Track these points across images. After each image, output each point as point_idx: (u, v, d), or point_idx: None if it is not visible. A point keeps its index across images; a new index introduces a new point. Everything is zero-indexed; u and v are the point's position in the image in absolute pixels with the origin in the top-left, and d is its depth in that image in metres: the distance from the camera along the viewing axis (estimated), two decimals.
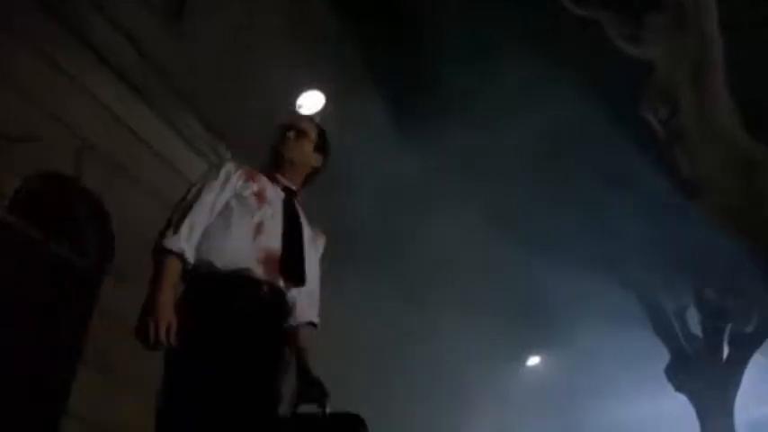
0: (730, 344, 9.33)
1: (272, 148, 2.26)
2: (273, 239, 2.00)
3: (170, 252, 1.87)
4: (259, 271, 1.93)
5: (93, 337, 4.22)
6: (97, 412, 4.18)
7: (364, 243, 6.98)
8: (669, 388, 9.77)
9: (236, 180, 2.06)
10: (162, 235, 1.91)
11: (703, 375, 9.15)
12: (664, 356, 9.71)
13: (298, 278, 2.04)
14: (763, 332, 9.28)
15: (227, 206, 2.01)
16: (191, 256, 1.89)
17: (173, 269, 1.87)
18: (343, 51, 6.21)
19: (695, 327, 9.68)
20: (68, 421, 4.02)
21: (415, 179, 6.75)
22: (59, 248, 4.19)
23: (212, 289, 1.89)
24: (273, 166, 2.23)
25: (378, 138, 6.19)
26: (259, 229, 1.99)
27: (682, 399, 9.68)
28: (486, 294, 9.27)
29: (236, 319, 1.85)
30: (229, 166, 2.11)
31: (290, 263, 2.02)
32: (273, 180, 2.17)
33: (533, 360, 13.85)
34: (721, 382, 9.13)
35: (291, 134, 2.26)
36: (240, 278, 1.91)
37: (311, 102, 5.93)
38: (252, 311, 1.90)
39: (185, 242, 1.88)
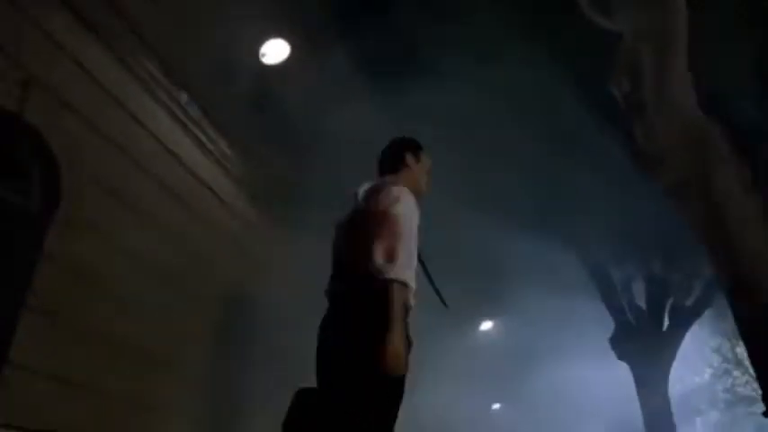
0: (670, 316, 9.80)
1: (418, 183, 2.51)
2: None
3: (410, 288, 2.07)
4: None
5: (38, 283, 4.09)
6: (42, 360, 4.08)
7: (318, 194, 6.95)
8: (613, 355, 10.24)
9: None
10: (398, 269, 2.01)
11: (644, 345, 9.60)
12: (610, 325, 10.13)
13: None
14: (702, 305, 9.77)
15: None
16: None
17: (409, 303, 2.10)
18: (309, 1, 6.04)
19: (640, 299, 10.11)
20: (12, 370, 3.92)
21: (376, 134, 6.71)
22: (1, 189, 4.00)
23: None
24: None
25: (341, 89, 6.10)
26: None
27: (625, 366, 10.16)
28: (439, 258, 9.38)
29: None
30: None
31: None
32: None
33: (486, 325, 14.23)
34: (660, 352, 9.62)
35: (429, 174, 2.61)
36: None
37: (275, 51, 5.77)
38: None
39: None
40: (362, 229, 2.14)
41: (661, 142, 4.27)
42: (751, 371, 12.59)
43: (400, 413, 2.10)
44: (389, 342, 1.90)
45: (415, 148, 2.66)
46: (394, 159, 2.61)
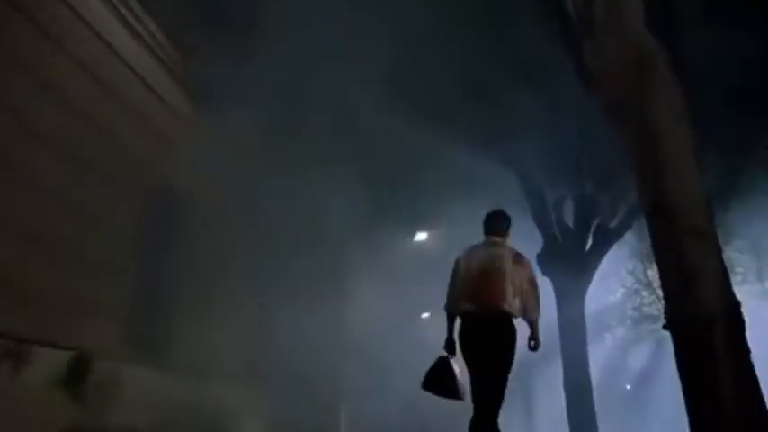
0: (594, 236, 10.31)
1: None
2: None
3: None
4: None
5: None
6: None
7: (253, 86, 6.63)
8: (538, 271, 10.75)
9: None
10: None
11: (568, 263, 10.11)
12: (537, 243, 10.55)
13: None
14: (623, 228, 10.33)
15: None
16: None
17: None
18: None
19: (569, 218, 10.52)
20: None
21: (314, 21, 6.40)
22: None
23: None
24: None
25: None
26: None
27: (547, 281, 10.72)
28: (380, 168, 9.36)
29: None
30: None
31: None
32: None
33: (420, 236, 14.55)
34: (581, 270, 10.19)
35: None
36: None
37: None
38: None
39: None
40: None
41: (608, 59, 4.24)
42: (658, 292, 13.66)
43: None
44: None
45: (510, 223, 4.61)
46: (502, 229, 4.52)
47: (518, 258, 4.24)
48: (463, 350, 4.10)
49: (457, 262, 4.41)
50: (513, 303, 4.01)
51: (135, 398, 5.92)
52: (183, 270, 7.13)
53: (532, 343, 4.20)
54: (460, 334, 4.14)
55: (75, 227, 5.34)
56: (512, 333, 4.00)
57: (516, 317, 4.05)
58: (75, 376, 5.19)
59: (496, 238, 4.37)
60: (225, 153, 6.69)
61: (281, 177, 8.17)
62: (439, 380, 4.10)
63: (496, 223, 4.47)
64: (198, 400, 7.20)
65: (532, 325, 4.21)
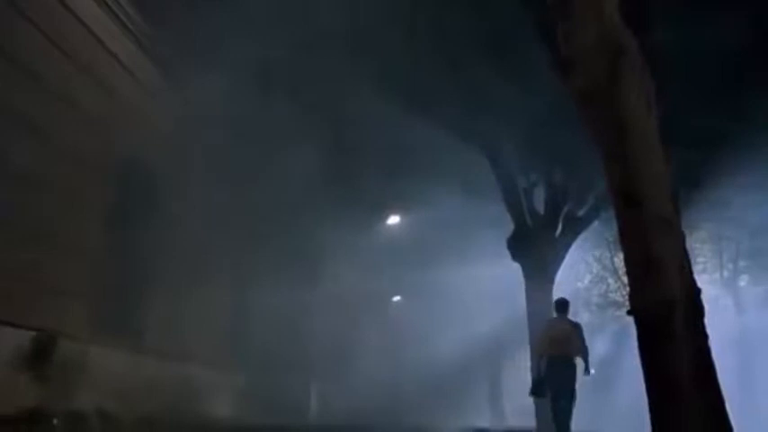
0: (564, 223, 10.49)
1: None
2: None
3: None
4: None
5: None
6: None
7: (225, 58, 6.51)
8: (506, 257, 10.90)
9: None
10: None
11: (537, 248, 10.27)
12: (506, 228, 10.70)
13: None
14: (592, 216, 10.54)
15: None
16: None
17: None
18: None
19: (539, 205, 10.68)
20: None
21: (298, 10, 6.31)
22: None
23: None
24: None
25: None
26: None
27: (515, 268, 10.89)
28: (353, 151, 9.32)
29: None
30: None
31: None
32: None
33: (393, 219, 14.62)
34: (551, 255, 10.36)
35: None
36: None
37: None
38: None
39: None
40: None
41: (581, 47, 4.26)
42: (624, 279, 13.99)
43: None
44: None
45: (569, 305, 7.78)
46: (567, 310, 7.64)
47: (575, 326, 7.44)
48: (547, 376, 7.24)
49: (543, 328, 7.74)
50: (574, 351, 7.24)
51: (101, 379, 5.83)
52: (151, 250, 7.01)
53: (585, 372, 7.33)
54: (547, 367, 7.28)
55: (41, 204, 5.19)
56: (574, 367, 7.22)
57: (576, 358, 7.24)
58: (40, 357, 5.09)
59: (563, 315, 7.59)
60: (193, 129, 6.56)
61: (251, 158, 8.07)
62: (539, 389, 7.36)
63: (564, 307, 7.66)
64: (166, 381, 7.13)
65: (585, 361, 7.33)
